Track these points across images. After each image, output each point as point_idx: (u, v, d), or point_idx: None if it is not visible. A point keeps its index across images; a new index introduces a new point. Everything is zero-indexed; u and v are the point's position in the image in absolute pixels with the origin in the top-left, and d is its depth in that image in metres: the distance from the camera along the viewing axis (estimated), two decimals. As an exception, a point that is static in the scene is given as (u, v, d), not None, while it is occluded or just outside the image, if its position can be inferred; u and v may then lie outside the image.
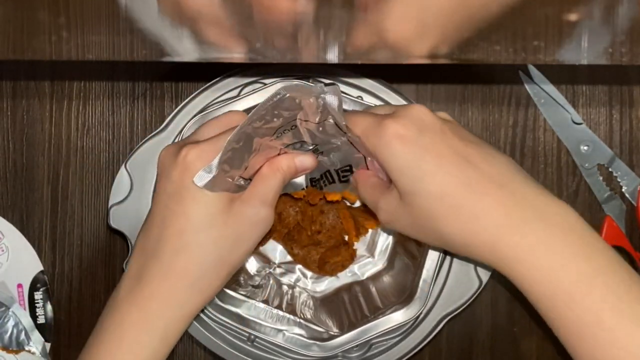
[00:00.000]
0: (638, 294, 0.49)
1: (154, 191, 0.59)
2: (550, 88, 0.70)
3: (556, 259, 0.49)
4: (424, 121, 0.52)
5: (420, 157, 0.52)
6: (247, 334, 0.64)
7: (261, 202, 0.55)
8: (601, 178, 0.70)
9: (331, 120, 0.54)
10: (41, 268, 0.69)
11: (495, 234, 0.50)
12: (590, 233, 0.51)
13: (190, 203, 0.54)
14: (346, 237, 0.67)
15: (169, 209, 0.54)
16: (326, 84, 0.58)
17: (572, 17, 0.48)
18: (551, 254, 0.49)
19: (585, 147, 0.70)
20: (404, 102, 0.64)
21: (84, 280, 0.70)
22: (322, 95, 0.53)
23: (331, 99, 0.53)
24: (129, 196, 0.64)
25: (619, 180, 0.70)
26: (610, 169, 0.70)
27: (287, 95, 0.52)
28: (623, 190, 0.70)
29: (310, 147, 0.57)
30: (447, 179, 0.51)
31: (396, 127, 0.52)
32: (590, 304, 0.49)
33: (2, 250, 0.69)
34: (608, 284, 0.49)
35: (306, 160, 0.57)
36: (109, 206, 0.64)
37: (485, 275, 0.63)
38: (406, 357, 0.64)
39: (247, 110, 0.63)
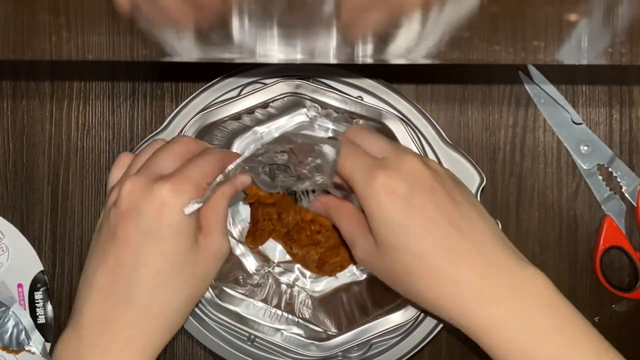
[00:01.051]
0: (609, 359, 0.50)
1: (102, 230, 0.54)
2: (550, 88, 0.70)
3: (528, 332, 0.50)
4: (416, 176, 0.52)
5: (407, 215, 0.52)
6: (247, 334, 0.64)
7: (221, 234, 0.55)
8: (601, 178, 0.70)
9: (318, 161, 0.56)
10: (41, 268, 0.69)
11: (470, 301, 0.51)
12: (562, 303, 0.52)
13: (168, 241, 0.52)
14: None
15: (144, 248, 0.51)
16: (329, 137, 0.59)
17: (572, 17, 0.48)
18: (523, 326, 0.50)
19: (585, 147, 0.70)
20: (404, 102, 0.64)
21: (84, 280, 0.70)
22: (321, 145, 0.55)
23: (328, 150, 0.55)
24: (129, 196, 0.64)
25: (618, 180, 0.70)
26: (610, 169, 0.70)
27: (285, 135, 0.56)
28: (623, 190, 0.70)
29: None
30: (430, 240, 0.52)
31: (387, 181, 0.52)
32: None
33: (2, 250, 0.69)
34: (580, 354, 0.50)
35: (244, 180, 0.57)
36: (109, 206, 0.64)
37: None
38: (406, 357, 0.64)
39: (246, 110, 0.63)
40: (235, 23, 0.48)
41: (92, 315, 0.52)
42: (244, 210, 0.68)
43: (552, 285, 0.52)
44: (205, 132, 0.63)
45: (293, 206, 0.64)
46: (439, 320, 0.61)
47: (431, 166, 0.54)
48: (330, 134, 0.67)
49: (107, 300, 0.52)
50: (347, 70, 0.64)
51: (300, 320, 0.65)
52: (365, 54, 0.53)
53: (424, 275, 0.52)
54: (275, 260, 0.68)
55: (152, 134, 0.64)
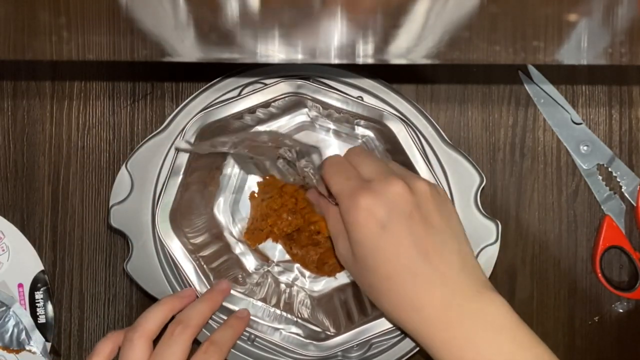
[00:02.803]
0: None
1: None
2: (550, 88, 0.70)
3: (483, 356, 0.53)
4: (396, 202, 0.55)
5: (381, 239, 0.54)
6: (247, 334, 0.64)
7: None
8: (601, 178, 0.70)
9: (309, 168, 0.59)
10: (42, 268, 0.69)
11: (431, 326, 0.54)
12: (521, 330, 0.54)
13: None
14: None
15: None
16: (312, 146, 0.61)
17: (572, 17, 0.48)
18: (479, 351, 0.53)
19: (585, 147, 0.70)
20: (404, 102, 0.64)
21: (85, 280, 0.70)
22: (311, 151, 0.59)
23: (315, 158, 0.59)
24: (129, 196, 0.64)
25: (618, 180, 0.70)
26: (609, 169, 0.70)
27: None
28: (622, 190, 0.70)
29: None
30: (398, 265, 0.54)
31: (368, 203, 0.55)
32: None
33: (3, 250, 0.69)
34: None
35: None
36: (110, 206, 0.64)
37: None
38: (406, 357, 0.64)
39: (247, 110, 0.63)
40: (235, 20, 0.48)
41: None
42: (244, 209, 0.68)
43: (510, 312, 0.54)
44: (206, 132, 0.63)
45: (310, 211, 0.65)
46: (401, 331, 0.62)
47: (416, 189, 0.56)
48: (331, 135, 0.67)
49: None
50: (348, 70, 0.64)
51: (299, 320, 0.65)
52: (365, 54, 0.53)
53: (389, 296, 0.55)
54: (275, 260, 0.68)
55: (153, 133, 0.64)
